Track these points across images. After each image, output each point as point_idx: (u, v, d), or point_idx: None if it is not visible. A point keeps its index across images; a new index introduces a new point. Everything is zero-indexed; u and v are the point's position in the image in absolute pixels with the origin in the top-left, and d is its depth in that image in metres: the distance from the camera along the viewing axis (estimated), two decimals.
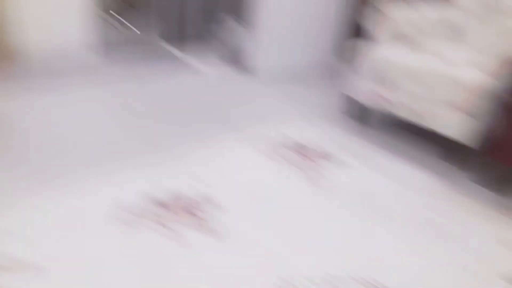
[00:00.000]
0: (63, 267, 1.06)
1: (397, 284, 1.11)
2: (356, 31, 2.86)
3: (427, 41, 2.06)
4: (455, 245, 1.28)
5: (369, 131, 2.14)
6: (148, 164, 1.61)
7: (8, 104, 2.14)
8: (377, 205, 1.48)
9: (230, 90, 2.70)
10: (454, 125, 1.72)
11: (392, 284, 1.11)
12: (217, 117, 2.22)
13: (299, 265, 1.16)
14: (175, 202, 1.38)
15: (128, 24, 4.14)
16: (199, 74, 3.02)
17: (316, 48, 3.16)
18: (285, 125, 2.14)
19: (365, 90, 2.06)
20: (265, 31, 2.88)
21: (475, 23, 2.02)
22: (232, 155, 1.76)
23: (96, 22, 3.03)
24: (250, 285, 1.07)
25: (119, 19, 4.21)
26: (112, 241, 1.17)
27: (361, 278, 1.13)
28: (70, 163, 1.59)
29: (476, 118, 1.65)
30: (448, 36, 2.09)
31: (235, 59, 3.20)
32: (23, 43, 2.72)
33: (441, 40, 2.08)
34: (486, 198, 1.57)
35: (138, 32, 4.00)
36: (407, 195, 1.56)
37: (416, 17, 2.11)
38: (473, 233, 1.35)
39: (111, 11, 4.20)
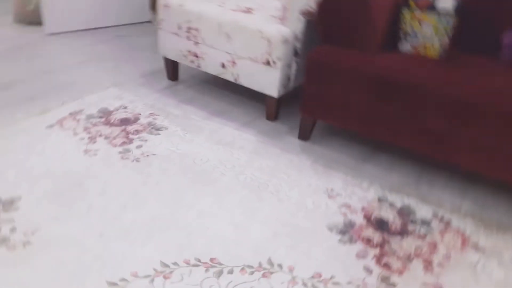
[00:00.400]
0: None
1: (231, 257, 1.09)
2: None
3: None
4: (284, 203, 1.32)
5: (188, 92, 2.03)
6: None
7: None
8: (199, 171, 1.43)
9: (24, 50, 2.28)
10: (261, 79, 1.72)
11: (225, 258, 1.08)
12: (13, 88, 1.84)
13: (125, 260, 1.04)
14: None
15: None
16: None
17: (130, 3, 2.90)
18: (96, 95, 1.88)
19: (175, 47, 1.95)
20: None
21: None
22: (33, 139, 1.51)
23: None
24: None
25: None
26: None
27: (190, 260, 1.06)
28: None
29: (280, 71, 1.66)
30: None
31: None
32: None
33: None
34: (311, 153, 1.62)
35: None
36: (231, 156, 1.54)
37: None
38: (300, 188, 1.40)
39: None
